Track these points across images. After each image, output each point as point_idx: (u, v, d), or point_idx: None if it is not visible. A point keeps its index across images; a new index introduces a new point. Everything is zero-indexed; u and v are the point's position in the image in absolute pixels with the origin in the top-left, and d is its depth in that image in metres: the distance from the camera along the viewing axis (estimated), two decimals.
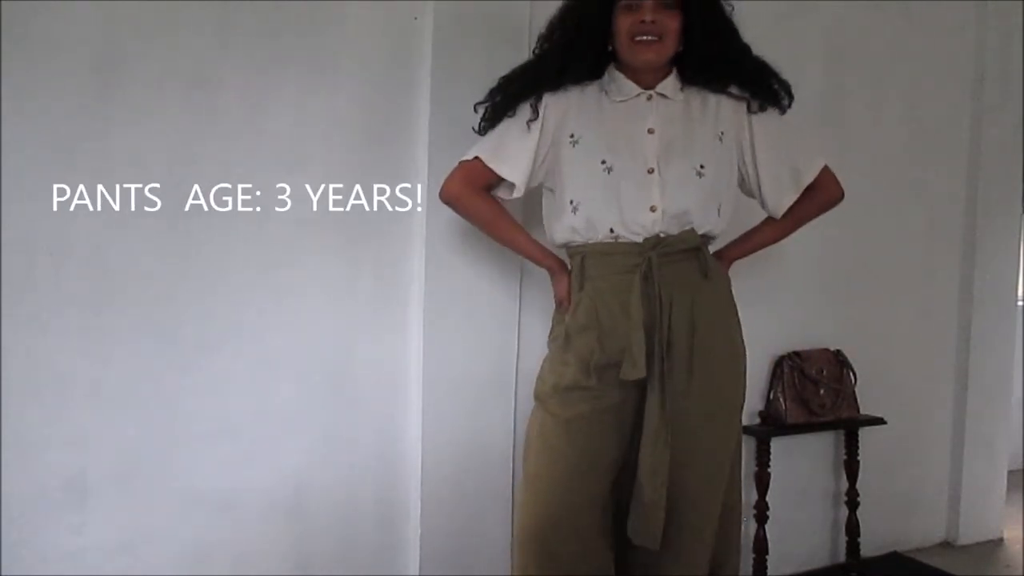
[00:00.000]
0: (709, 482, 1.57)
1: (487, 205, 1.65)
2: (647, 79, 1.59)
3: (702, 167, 1.57)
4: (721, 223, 1.62)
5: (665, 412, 1.50)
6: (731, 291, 1.66)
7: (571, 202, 1.57)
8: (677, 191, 1.55)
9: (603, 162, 1.55)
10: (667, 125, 1.58)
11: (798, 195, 1.68)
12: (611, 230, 1.55)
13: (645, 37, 1.53)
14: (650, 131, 1.57)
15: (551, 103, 1.60)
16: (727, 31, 1.60)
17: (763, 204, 1.70)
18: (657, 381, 1.50)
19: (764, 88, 1.62)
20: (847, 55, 2.42)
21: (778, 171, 1.66)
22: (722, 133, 1.61)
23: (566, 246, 1.64)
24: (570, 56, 1.58)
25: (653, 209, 1.54)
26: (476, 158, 1.62)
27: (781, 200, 1.67)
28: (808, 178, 1.68)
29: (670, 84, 1.60)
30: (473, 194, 1.64)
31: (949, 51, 2.60)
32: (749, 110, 1.62)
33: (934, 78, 2.58)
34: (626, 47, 1.56)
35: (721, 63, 1.59)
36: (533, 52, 1.67)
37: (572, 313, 1.57)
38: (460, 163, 1.64)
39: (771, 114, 1.64)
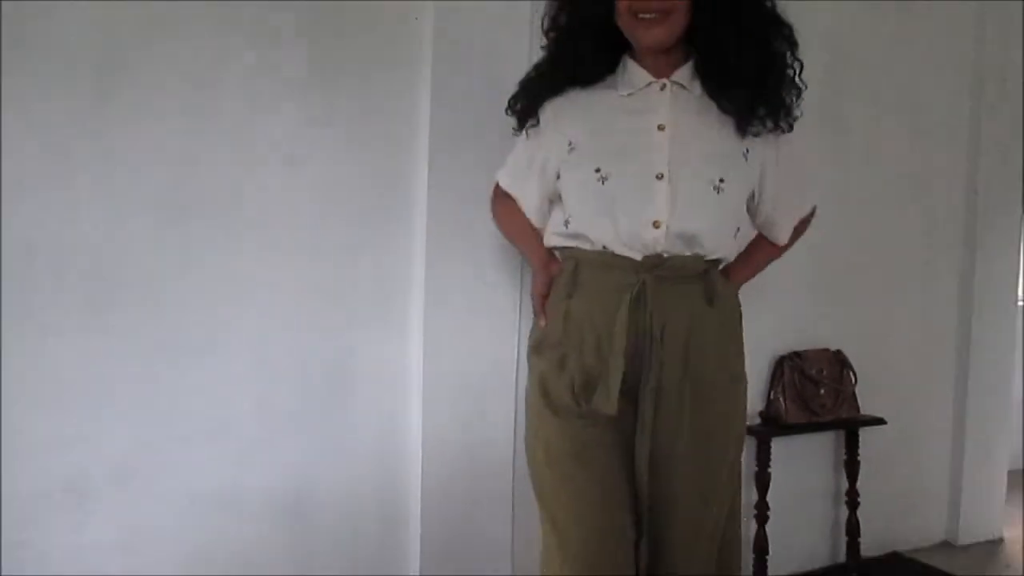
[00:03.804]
0: (695, 532, 1.38)
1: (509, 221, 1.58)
2: (661, 66, 1.36)
3: (721, 181, 1.33)
4: (736, 247, 1.46)
5: (649, 460, 1.34)
6: (739, 318, 1.47)
7: (564, 215, 1.41)
8: (689, 207, 1.32)
9: (597, 170, 1.33)
10: (682, 120, 1.35)
11: (796, 222, 1.57)
12: (604, 247, 1.36)
13: (647, 15, 1.31)
14: (660, 127, 1.34)
15: (553, 112, 1.43)
16: (751, 18, 1.33)
17: (768, 226, 1.55)
18: (648, 424, 1.34)
19: (783, 106, 1.37)
20: (847, 54, 2.41)
21: (792, 195, 1.52)
22: (747, 150, 1.37)
23: (559, 250, 1.48)
24: (576, 48, 1.39)
25: (657, 226, 1.32)
26: (497, 184, 1.59)
27: (788, 226, 1.55)
28: (806, 210, 1.58)
29: (687, 73, 1.37)
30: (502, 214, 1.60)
31: (949, 51, 2.60)
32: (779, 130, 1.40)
33: (934, 77, 2.58)
34: (627, 24, 1.34)
35: (735, 58, 1.31)
36: (542, 29, 1.47)
37: (560, 320, 1.40)
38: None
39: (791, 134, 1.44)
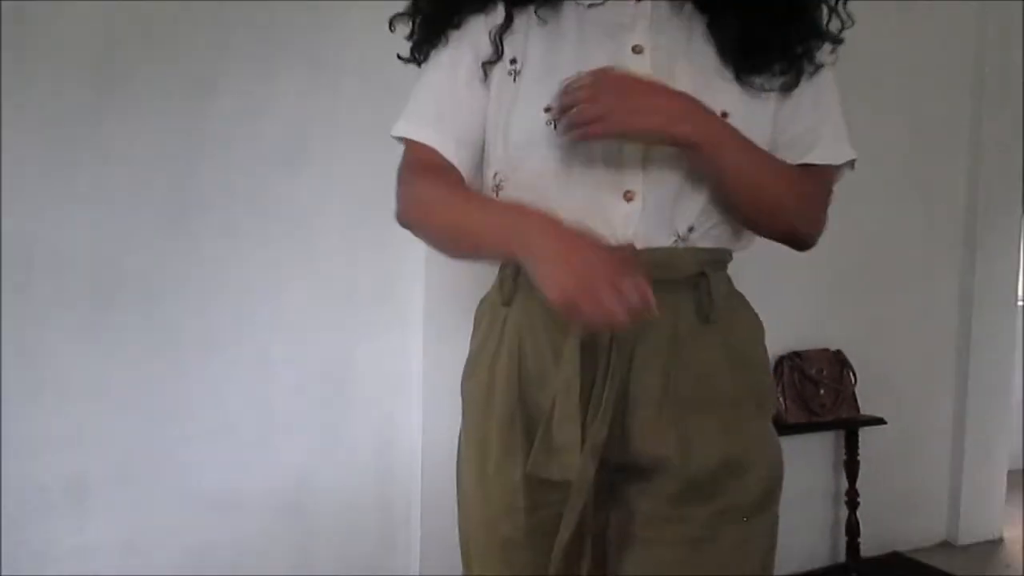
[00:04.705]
0: None
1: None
2: None
3: (724, 116, 0.90)
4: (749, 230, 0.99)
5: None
6: (758, 342, 0.99)
7: (494, 176, 0.96)
8: (675, 162, 0.89)
9: (547, 110, 0.89)
10: (666, 40, 0.93)
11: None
12: None
13: None
14: (636, 49, 0.92)
15: (485, 21, 0.96)
16: None
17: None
18: (620, 496, 0.93)
19: (792, 55, 0.96)
20: (847, 54, 2.37)
21: (796, 126, 0.98)
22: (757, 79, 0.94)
23: None
24: None
25: (629, 198, 0.89)
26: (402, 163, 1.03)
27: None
28: (820, 156, 0.98)
29: None
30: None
31: (949, 51, 2.61)
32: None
33: (934, 77, 2.59)
34: None
35: None
36: None
37: (496, 335, 0.98)
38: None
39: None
